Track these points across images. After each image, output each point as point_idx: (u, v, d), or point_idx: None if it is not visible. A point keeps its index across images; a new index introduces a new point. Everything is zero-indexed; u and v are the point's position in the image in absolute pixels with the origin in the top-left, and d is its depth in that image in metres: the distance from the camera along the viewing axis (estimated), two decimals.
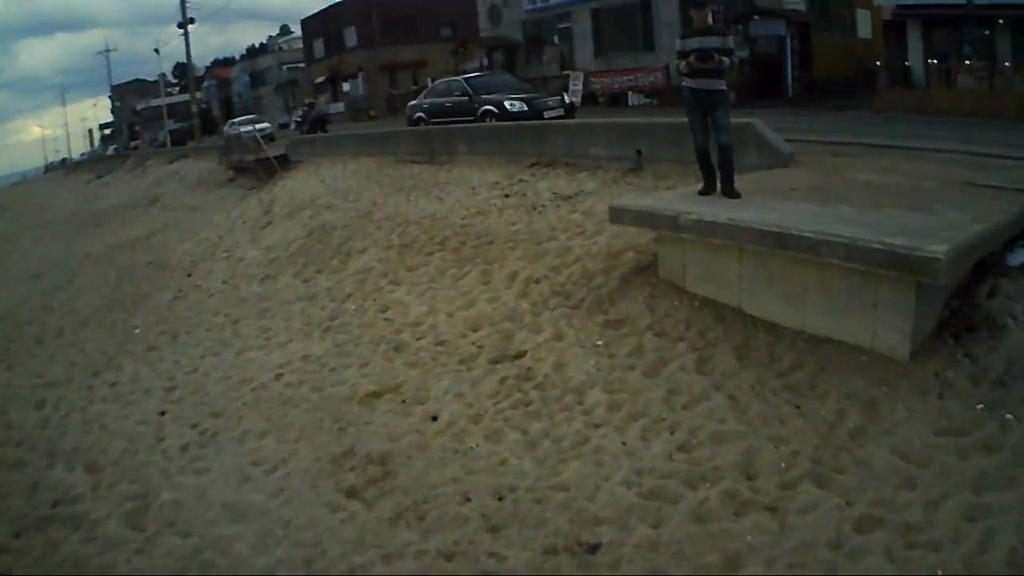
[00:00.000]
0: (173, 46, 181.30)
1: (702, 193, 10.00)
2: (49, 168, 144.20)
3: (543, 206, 13.90)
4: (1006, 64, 29.30)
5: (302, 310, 13.53)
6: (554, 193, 14.47)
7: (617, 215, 10.04)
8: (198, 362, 12.70)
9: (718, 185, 9.97)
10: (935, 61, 30.72)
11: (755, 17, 33.95)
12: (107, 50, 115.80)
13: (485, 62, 49.47)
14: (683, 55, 9.69)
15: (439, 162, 19.91)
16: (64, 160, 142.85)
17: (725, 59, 9.58)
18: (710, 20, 9.84)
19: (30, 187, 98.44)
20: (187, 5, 59.16)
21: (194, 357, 12.97)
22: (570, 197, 14.02)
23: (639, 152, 14.89)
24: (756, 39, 34.67)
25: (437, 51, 64.22)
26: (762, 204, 9.26)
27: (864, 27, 42.62)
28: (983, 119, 25.68)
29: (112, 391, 12.47)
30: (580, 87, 41.80)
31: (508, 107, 21.79)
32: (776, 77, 34.31)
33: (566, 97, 23.46)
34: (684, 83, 9.89)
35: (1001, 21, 30.84)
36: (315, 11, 79.46)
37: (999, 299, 8.15)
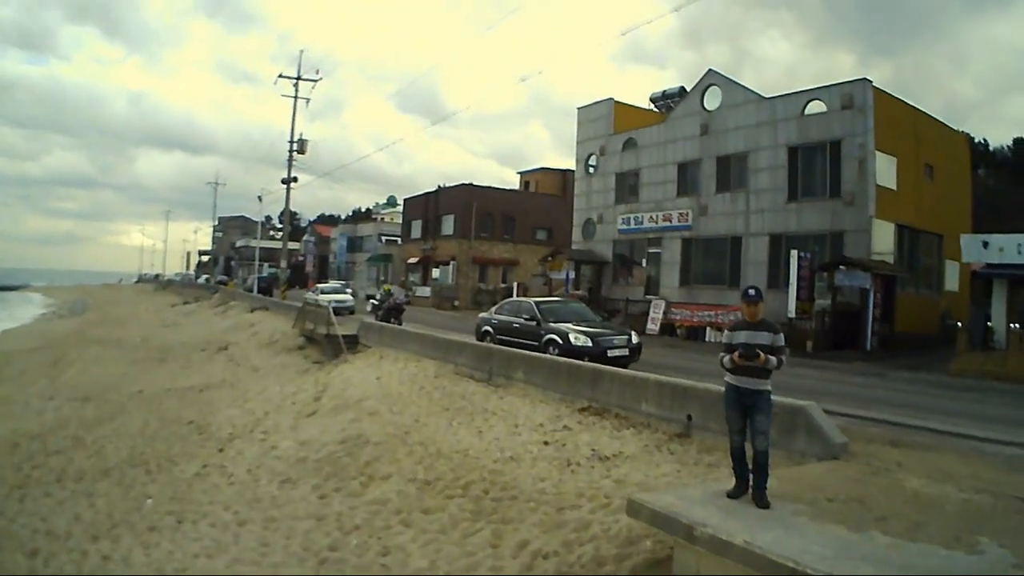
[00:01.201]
0: (281, 191, 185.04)
1: (731, 496, 9.39)
2: (141, 279, 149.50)
3: (578, 464, 13.33)
4: None
5: (306, 532, 12.90)
6: (593, 450, 13.92)
7: (635, 510, 9.35)
8: (189, 561, 12.40)
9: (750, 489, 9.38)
10: (1017, 325, 30.29)
11: (841, 268, 33.59)
12: (216, 183, 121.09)
13: (572, 275, 50.08)
14: (730, 348, 9.33)
15: (495, 384, 19.71)
16: (157, 276, 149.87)
17: (773, 359, 9.16)
18: (761, 315, 9.30)
19: (119, 293, 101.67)
20: (293, 163, 60.59)
21: (188, 554, 12.68)
22: (607, 458, 13.46)
23: (689, 417, 14.46)
24: (840, 289, 34.45)
25: (530, 253, 66.04)
26: (788, 523, 8.62)
27: (952, 280, 42.75)
28: None
29: (101, 566, 12.39)
30: (660, 315, 42.32)
31: (572, 340, 22.10)
32: (856, 329, 33.83)
33: (634, 337, 23.38)
34: (726, 379, 9.49)
35: None
36: (420, 193, 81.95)
37: None
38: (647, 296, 45.73)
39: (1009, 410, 20.44)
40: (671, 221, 45.90)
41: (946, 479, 11.02)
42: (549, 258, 52.01)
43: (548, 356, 20.36)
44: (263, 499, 14.78)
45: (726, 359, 9.34)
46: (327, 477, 15.24)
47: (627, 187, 49.77)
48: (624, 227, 49.27)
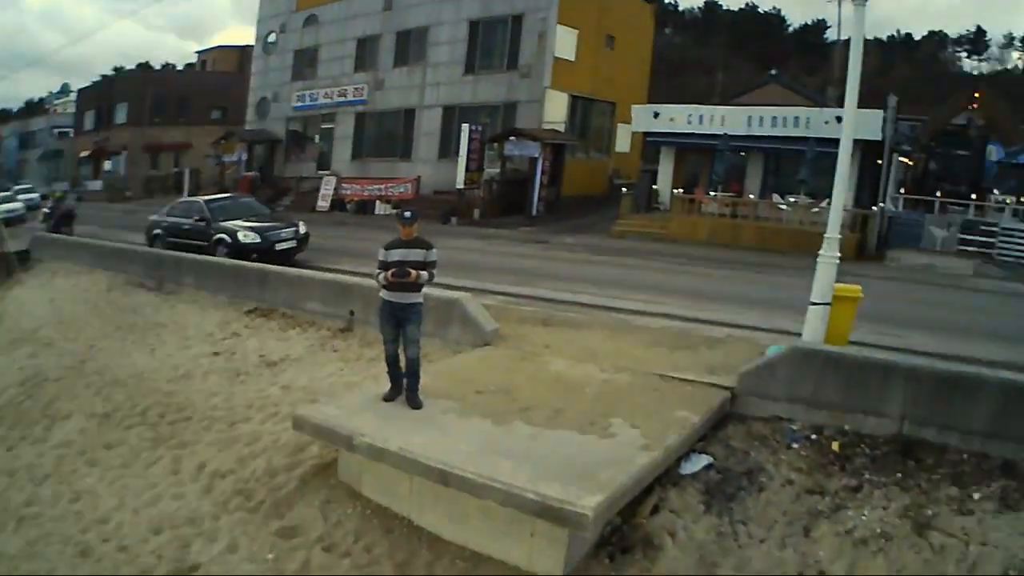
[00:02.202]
0: None
1: (387, 399, 10.00)
2: None
3: (247, 373, 13.56)
4: (751, 196, 31.38)
5: (1, 491, 12.06)
6: (261, 356, 14.18)
7: (299, 424, 9.75)
8: None
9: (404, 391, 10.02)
10: (680, 190, 32.24)
11: (511, 138, 34.92)
12: None
13: (245, 156, 48.95)
14: (384, 266, 9.79)
15: (166, 291, 19.52)
16: None
17: (424, 273, 9.73)
18: (415, 233, 9.81)
19: None
20: None
21: None
22: (275, 363, 13.79)
23: (352, 312, 15.00)
24: (510, 158, 35.78)
25: (204, 135, 62.59)
26: (439, 422, 9.30)
27: (624, 142, 44.74)
28: (722, 247, 27.69)
29: None
30: (331, 191, 42.42)
31: (241, 238, 21.81)
32: (523, 195, 35.35)
33: (301, 227, 23.30)
34: (381, 294, 10.00)
35: (743, 153, 33.25)
36: (93, 80, 76.95)
37: (662, 515, 8.37)
38: (319, 172, 45.81)
39: (664, 276, 21.99)
40: (346, 96, 45.83)
41: (590, 358, 12.05)
42: (222, 140, 50.49)
43: (215, 259, 20.36)
44: None
45: (380, 276, 9.80)
46: (11, 426, 14.16)
47: (305, 64, 49.29)
48: (299, 104, 48.76)
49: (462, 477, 7.94)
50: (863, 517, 8.12)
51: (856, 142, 27.11)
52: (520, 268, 22.01)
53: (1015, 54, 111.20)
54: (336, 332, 14.99)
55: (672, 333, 14.14)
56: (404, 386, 10.03)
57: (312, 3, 48.95)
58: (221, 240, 21.99)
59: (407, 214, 9.94)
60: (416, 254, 9.76)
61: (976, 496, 8.25)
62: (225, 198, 25.53)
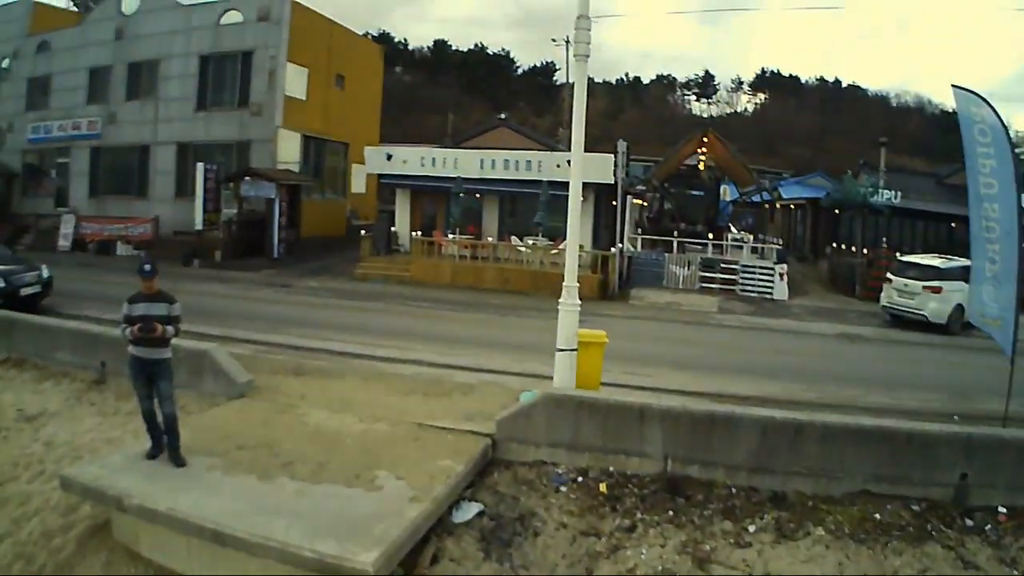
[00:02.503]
0: None
1: (149, 456, 10.10)
2: None
3: (7, 428, 13.25)
4: (489, 238, 32.74)
5: None
6: (19, 411, 13.85)
7: (67, 485, 9.75)
8: None
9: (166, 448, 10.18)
10: (419, 232, 33.31)
11: (247, 178, 35.08)
12: None
13: None
14: (129, 320, 9.92)
15: None
16: None
17: (171, 328, 10.04)
18: (157, 286, 10.04)
19: None
20: None
21: None
22: (34, 418, 13.55)
23: (103, 364, 14.88)
24: (247, 198, 35.89)
25: None
26: (204, 480, 9.47)
27: (359, 183, 45.68)
28: (465, 289, 28.84)
29: None
30: (71, 231, 40.91)
31: None
32: (263, 236, 35.61)
33: (44, 271, 22.77)
34: (129, 349, 10.10)
35: (478, 195, 34.41)
36: None
37: (443, 564, 8.83)
38: (57, 209, 43.88)
39: (411, 321, 22.73)
40: (80, 129, 44.10)
41: (346, 408, 12.52)
42: None
43: None
44: None
45: (127, 331, 9.91)
46: None
47: (39, 93, 46.47)
48: (34, 136, 46.47)
49: (236, 537, 8.19)
50: (642, 556, 8.89)
51: (590, 185, 29.04)
52: (267, 314, 22.34)
53: (744, 97, 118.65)
54: (90, 384, 14.79)
55: (425, 380, 14.70)
56: (165, 444, 10.15)
57: (45, 28, 47.13)
58: None
59: (147, 267, 10.02)
60: (159, 308, 9.98)
61: (752, 528, 9.21)
62: None
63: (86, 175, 44.11)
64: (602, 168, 29.89)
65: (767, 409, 11.17)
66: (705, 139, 37.07)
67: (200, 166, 36.25)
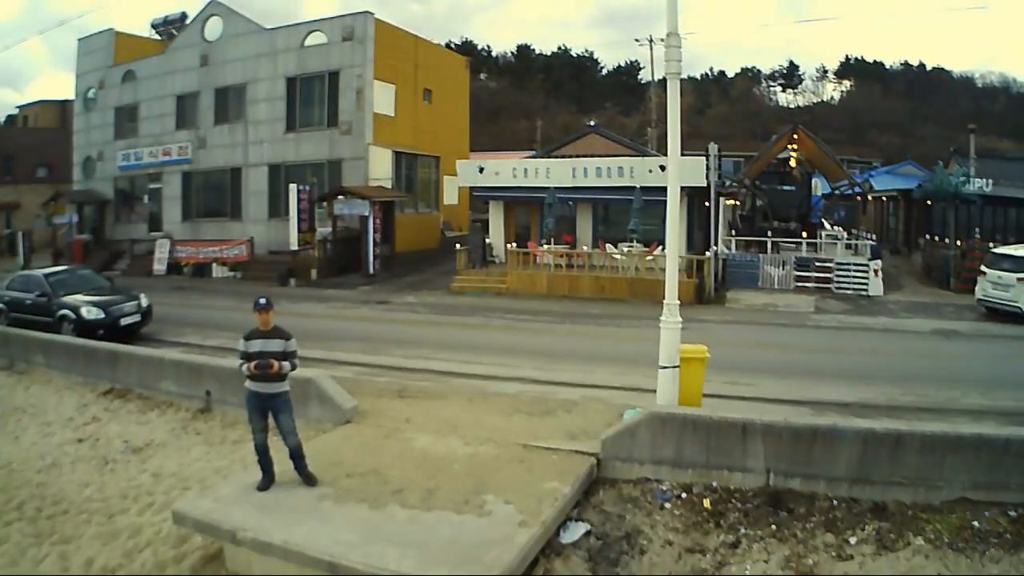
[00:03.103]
0: None
1: (261, 489, 10.14)
2: None
3: (115, 460, 13.36)
4: (584, 247, 32.15)
5: None
6: (125, 442, 14.00)
7: (180, 520, 9.77)
8: None
9: (276, 477, 10.28)
10: (514, 244, 32.91)
11: (340, 197, 35.21)
12: None
13: (76, 218, 47.49)
14: (246, 356, 10.07)
15: (18, 370, 19.02)
16: None
17: (287, 364, 10.16)
18: (272, 321, 10.17)
19: None
20: None
21: None
22: (140, 449, 13.67)
23: (208, 393, 15.03)
24: (341, 216, 36.11)
25: (32, 193, 60.72)
26: (316, 511, 9.43)
27: (452, 194, 45.63)
28: (561, 299, 28.59)
29: None
30: (166, 255, 41.66)
31: (84, 314, 21.54)
32: (358, 253, 35.69)
33: (143, 300, 23.14)
34: (247, 384, 10.24)
35: (571, 204, 34.03)
36: None
37: None
38: (151, 234, 44.79)
39: (511, 336, 22.52)
40: (171, 155, 45.03)
41: (451, 431, 12.40)
42: (52, 202, 48.91)
43: (64, 338, 19.82)
44: None
45: (244, 367, 10.08)
46: None
47: (126, 121, 47.84)
48: (124, 163, 47.53)
49: (351, 567, 8.11)
50: (747, 572, 8.70)
51: (683, 188, 28.66)
52: (367, 334, 22.30)
53: (830, 85, 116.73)
54: (195, 413, 14.96)
55: (528, 399, 14.55)
56: (294, 467, 10.27)
57: (129, 57, 48.08)
58: (65, 316, 21.66)
59: (262, 301, 10.17)
60: (275, 344, 10.10)
61: (853, 540, 8.99)
62: (64, 271, 24.86)
63: (178, 199, 44.87)
64: (694, 171, 29.31)
65: (868, 420, 10.95)
66: (795, 136, 36.51)
67: (293, 187, 36.50)
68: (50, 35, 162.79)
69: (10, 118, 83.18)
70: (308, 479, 10.22)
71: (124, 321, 22.15)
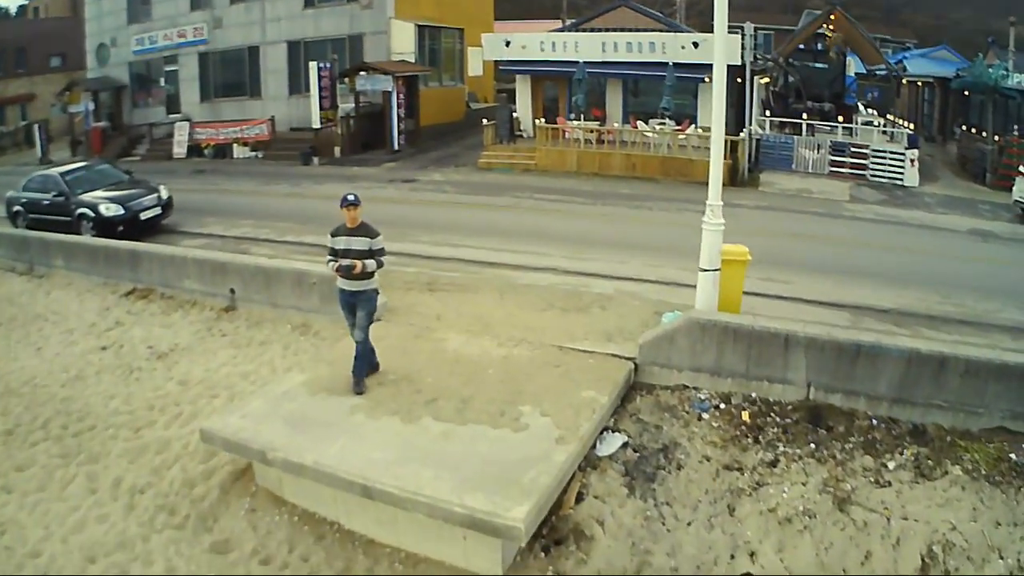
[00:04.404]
0: None
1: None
2: None
3: (139, 368, 13.12)
4: (615, 124, 31.30)
5: None
6: (149, 348, 13.76)
7: (208, 438, 9.51)
8: None
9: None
10: (542, 120, 31.96)
11: (362, 73, 34.23)
12: None
13: (92, 106, 46.13)
14: (333, 252, 9.89)
15: (38, 274, 18.79)
16: None
17: (371, 262, 9.84)
18: (360, 218, 9.84)
19: None
20: None
21: None
22: (165, 354, 13.43)
23: (232, 291, 14.76)
24: (363, 92, 35.08)
25: (46, 84, 59.94)
26: (349, 426, 9.20)
27: (476, 66, 44.30)
28: (591, 176, 27.93)
29: None
30: (186, 137, 40.85)
31: (103, 211, 21.13)
32: (381, 129, 34.93)
33: (163, 191, 22.66)
34: (337, 282, 10.14)
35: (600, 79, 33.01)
36: None
37: (588, 502, 8.52)
38: (170, 116, 43.95)
39: (540, 218, 21.97)
40: (186, 36, 43.66)
41: (484, 330, 12.10)
42: (66, 92, 48.06)
43: (84, 240, 19.33)
44: None
45: (330, 265, 9.94)
46: None
47: (140, 5, 46.17)
48: (139, 48, 46.39)
49: (385, 491, 7.95)
50: (784, 494, 8.46)
51: (712, 66, 27.86)
52: (392, 217, 21.36)
53: None
54: (220, 312, 14.71)
55: (562, 293, 14.21)
56: (353, 367, 10.18)
57: None
58: (84, 215, 21.28)
59: (350, 197, 9.83)
60: (360, 243, 9.80)
61: (891, 465, 8.73)
62: (80, 168, 24.05)
63: (196, 80, 43.90)
64: (729, 50, 28.44)
65: (912, 339, 10.83)
66: (832, 17, 35.22)
67: (313, 65, 35.44)
68: None
69: (21, 8, 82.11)
70: (356, 386, 10.08)
71: (144, 215, 21.71)
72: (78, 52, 53.27)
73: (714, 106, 11.72)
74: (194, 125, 41.54)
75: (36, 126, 48.94)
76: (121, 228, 20.84)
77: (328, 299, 12.44)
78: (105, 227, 20.84)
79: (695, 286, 11.78)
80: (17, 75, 63.78)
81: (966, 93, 35.70)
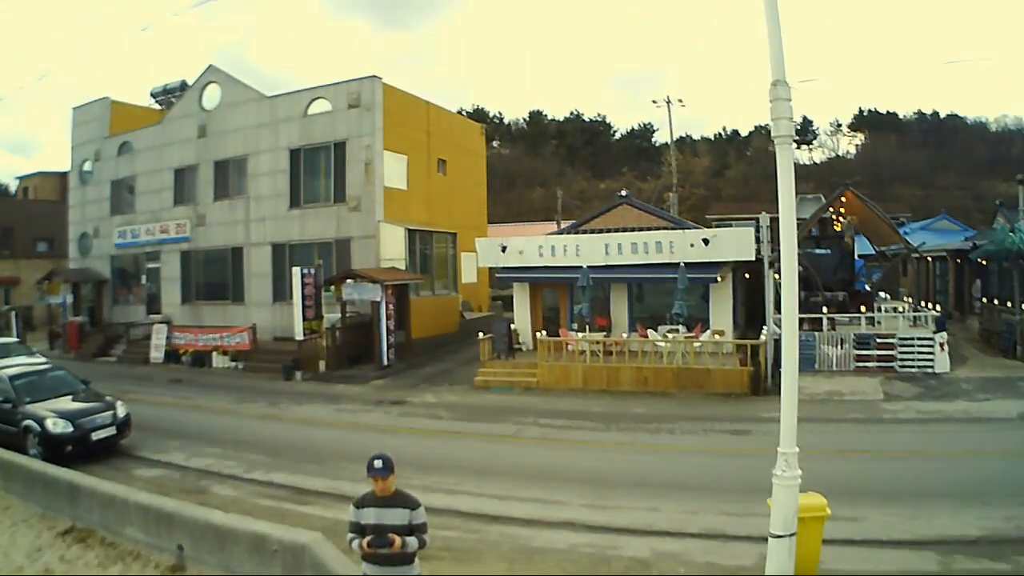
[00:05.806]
0: None
1: None
2: None
3: None
4: (623, 335, 29.05)
5: None
6: None
7: None
8: None
9: None
10: (543, 332, 29.94)
11: (349, 280, 32.31)
12: None
13: (69, 299, 44.99)
14: (358, 528, 7.64)
15: None
16: None
17: (412, 540, 7.58)
18: (393, 486, 7.67)
19: None
20: None
21: None
22: None
23: (180, 548, 12.04)
24: (350, 302, 33.04)
25: (32, 268, 59.16)
26: None
27: (470, 272, 42.99)
28: (599, 394, 25.93)
29: None
30: (164, 341, 39.18)
31: (50, 427, 18.89)
32: (370, 340, 32.81)
33: (120, 410, 20.45)
34: (363, 567, 7.75)
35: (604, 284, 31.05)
36: None
37: None
38: (150, 316, 42.51)
39: (549, 451, 19.62)
40: (168, 233, 42.62)
41: None
42: (46, 280, 46.52)
43: (22, 460, 16.90)
44: None
45: (354, 543, 7.65)
46: None
47: (123, 196, 45.88)
48: (121, 241, 45.29)
49: None
50: None
51: (724, 264, 27.19)
52: (377, 450, 19.04)
53: (844, 139, 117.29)
54: (166, 571, 12.00)
55: (586, 559, 11.85)
56: None
57: (126, 127, 45.98)
58: (29, 428, 19.11)
59: (377, 463, 7.72)
60: (397, 515, 7.62)
61: None
62: (33, 372, 21.76)
63: (177, 280, 42.50)
64: (740, 243, 27.29)
65: None
66: (843, 199, 33.93)
67: (296, 271, 33.64)
68: (59, 102, 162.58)
69: (5, 189, 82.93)
70: None
71: (96, 435, 19.45)
72: (65, 239, 52.29)
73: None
74: (173, 329, 39.72)
75: (13, 313, 47.71)
76: (70, 448, 18.76)
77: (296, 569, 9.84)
78: (52, 445, 18.70)
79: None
80: (2, 257, 63.27)
81: (982, 262, 34.72)
